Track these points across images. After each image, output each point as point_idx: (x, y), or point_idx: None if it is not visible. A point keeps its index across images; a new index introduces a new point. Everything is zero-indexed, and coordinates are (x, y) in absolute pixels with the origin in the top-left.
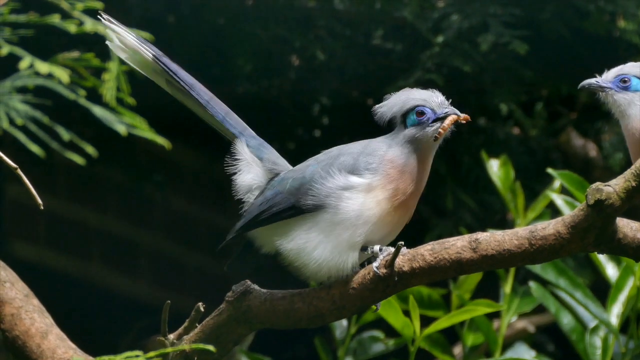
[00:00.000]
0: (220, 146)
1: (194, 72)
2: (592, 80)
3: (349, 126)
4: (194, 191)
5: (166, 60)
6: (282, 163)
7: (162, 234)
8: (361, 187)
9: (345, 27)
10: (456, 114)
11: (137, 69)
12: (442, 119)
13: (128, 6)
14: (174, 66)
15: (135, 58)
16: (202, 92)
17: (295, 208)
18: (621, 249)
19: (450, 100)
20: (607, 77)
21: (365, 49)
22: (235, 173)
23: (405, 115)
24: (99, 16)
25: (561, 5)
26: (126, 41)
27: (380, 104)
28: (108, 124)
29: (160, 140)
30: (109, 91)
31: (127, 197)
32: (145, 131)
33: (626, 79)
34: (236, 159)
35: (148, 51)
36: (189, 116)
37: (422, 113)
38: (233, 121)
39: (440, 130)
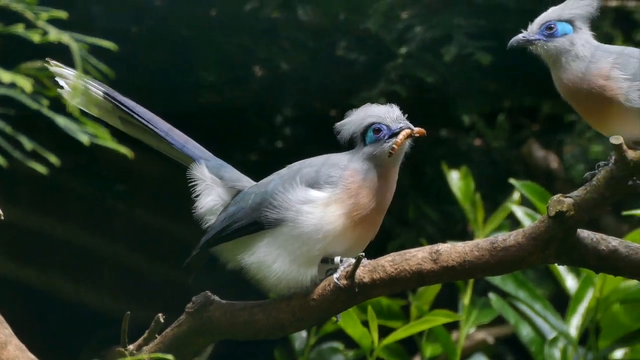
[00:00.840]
0: None
1: (158, 82)
2: (518, 37)
3: (312, 137)
4: (156, 202)
5: (121, 97)
6: (244, 180)
7: (123, 245)
8: (320, 201)
9: (309, 38)
10: (409, 128)
11: (88, 111)
12: (396, 134)
13: (92, 16)
14: (131, 103)
15: (86, 99)
16: (161, 124)
17: (257, 224)
18: (582, 261)
19: (406, 115)
20: (532, 29)
21: (329, 60)
22: (196, 196)
23: (363, 133)
24: (45, 63)
25: (525, 17)
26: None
27: (340, 123)
28: (71, 133)
29: (123, 149)
30: (74, 100)
31: (89, 208)
32: (107, 141)
33: (552, 26)
34: (196, 183)
35: (98, 89)
36: None
37: (378, 130)
38: (192, 146)
39: (393, 145)
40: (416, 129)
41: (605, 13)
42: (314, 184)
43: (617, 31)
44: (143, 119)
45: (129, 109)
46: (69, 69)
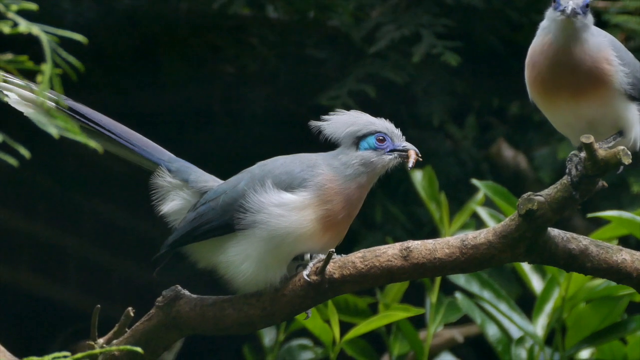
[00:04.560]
0: None
1: (126, 77)
2: (574, 6)
3: (281, 135)
4: (122, 198)
5: (76, 105)
6: (211, 180)
7: (90, 241)
8: (294, 204)
9: (278, 36)
10: (415, 150)
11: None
12: (400, 151)
13: (61, 11)
14: (86, 109)
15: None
16: (119, 129)
17: (229, 226)
18: (552, 259)
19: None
20: (577, 2)
21: (298, 58)
22: (161, 202)
23: (361, 137)
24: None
25: (494, 17)
26: (26, 95)
27: (329, 118)
28: (41, 126)
29: (93, 144)
30: (42, 94)
31: (55, 203)
32: (77, 134)
33: (589, 4)
34: (160, 188)
35: (51, 99)
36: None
37: (383, 140)
38: (150, 149)
39: (411, 163)
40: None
41: None
42: (287, 187)
43: None
44: (100, 125)
45: (84, 116)
46: (19, 80)
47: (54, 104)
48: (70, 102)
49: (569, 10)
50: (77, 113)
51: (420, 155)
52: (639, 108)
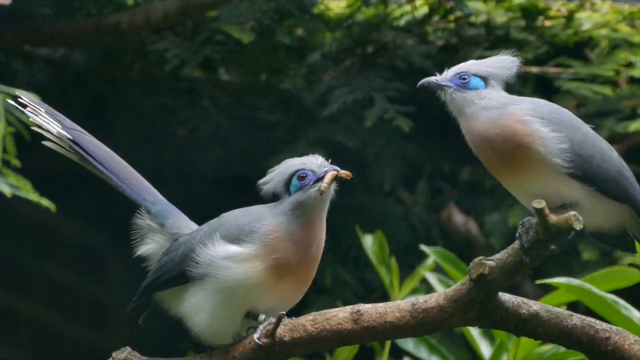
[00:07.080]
0: (101, 214)
1: None
2: (431, 79)
3: (230, 198)
4: (72, 260)
5: (76, 133)
6: (186, 227)
7: (40, 302)
8: (240, 256)
9: (230, 98)
10: (335, 170)
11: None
12: (322, 177)
13: (14, 71)
14: (84, 139)
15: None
16: (108, 160)
17: (184, 276)
18: (503, 324)
19: (329, 160)
20: (446, 75)
21: (250, 121)
22: (139, 243)
23: (287, 183)
24: (17, 99)
25: None
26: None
27: (263, 179)
28: None
29: (45, 202)
30: None
31: (5, 265)
32: (29, 193)
33: (465, 77)
34: (139, 228)
35: (55, 126)
36: (71, 183)
37: (303, 177)
38: (137, 187)
39: (323, 184)
40: (342, 171)
41: (526, 79)
42: (235, 239)
43: (538, 97)
44: (96, 159)
45: (84, 149)
46: (37, 104)
47: (55, 132)
48: (75, 133)
49: (422, 82)
50: (77, 145)
51: (340, 171)
52: (587, 189)
